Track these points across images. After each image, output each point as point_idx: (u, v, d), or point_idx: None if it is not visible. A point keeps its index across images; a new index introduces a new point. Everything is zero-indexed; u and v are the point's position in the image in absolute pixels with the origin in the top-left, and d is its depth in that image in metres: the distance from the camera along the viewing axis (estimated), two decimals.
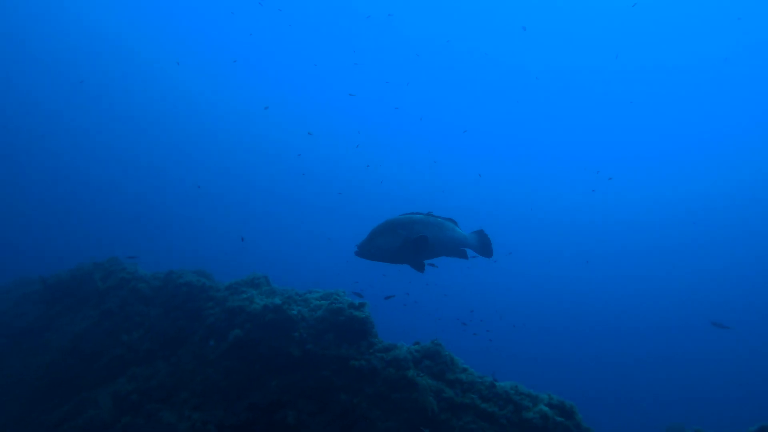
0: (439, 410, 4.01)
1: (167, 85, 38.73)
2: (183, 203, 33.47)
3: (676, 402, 17.91)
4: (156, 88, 38.41)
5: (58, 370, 5.19)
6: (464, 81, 38.65)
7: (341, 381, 4.16)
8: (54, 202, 29.68)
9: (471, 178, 38.19)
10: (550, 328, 22.70)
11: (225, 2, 34.33)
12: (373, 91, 40.10)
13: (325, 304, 4.75)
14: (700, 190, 35.93)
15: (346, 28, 36.20)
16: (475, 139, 40.72)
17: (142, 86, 37.80)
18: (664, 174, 36.78)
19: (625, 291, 28.21)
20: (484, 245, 4.20)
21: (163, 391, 4.45)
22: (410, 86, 39.26)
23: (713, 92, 34.27)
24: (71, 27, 34.40)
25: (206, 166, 37.86)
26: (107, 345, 5.22)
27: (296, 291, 5.28)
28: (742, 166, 35.21)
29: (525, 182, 37.76)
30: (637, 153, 37.52)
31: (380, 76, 39.03)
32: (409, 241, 3.82)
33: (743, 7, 28.37)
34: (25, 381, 5.33)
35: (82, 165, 34.19)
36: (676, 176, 36.60)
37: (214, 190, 34.24)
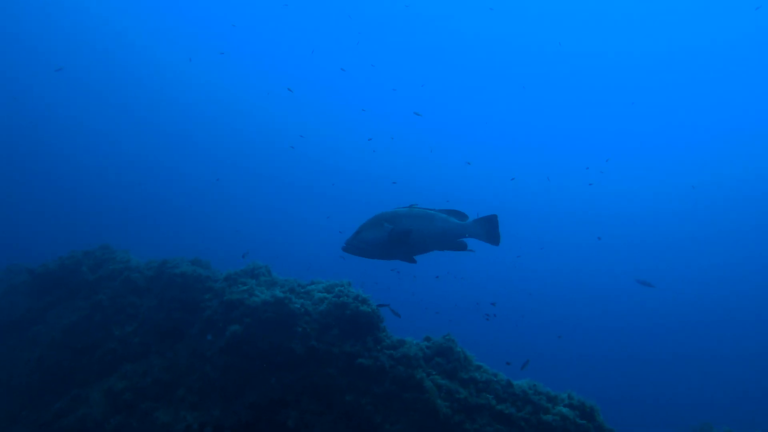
0: (452, 412, 3.95)
1: (159, 75, 38.80)
2: (181, 191, 33.58)
3: (703, 400, 17.84)
4: (147, 78, 38.54)
5: (48, 365, 5.17)
6: (467, 67, 38.54)
7: (347, 380, 4.07)
8: (45, 188, 29.88)
9: (472, 171, 38.18)
10: (565, 323, 22.62)
11: None
12: (372, 77, 40.17)
13: (329, 296, 4.67)
14: (718, 180, 35.77)
15: (341, 13, 36.13)
16: (474, 131, 40.68)
17: (132, 76, 37.93)
18: (681, 164, 36.64)
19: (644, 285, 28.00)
20: (489, 233, 4.10)
21: (157, 389, 4.42)
22: (405, 70, 39.33)
23: (724, 82, 33.95)
24: (60, 17, 34.58)
25: (206, 154, 37.95)
26: (99, 339, 5.19)
27: (298, 282, 5.21)
28: (752, 157, 35.11)
29: (531, 173, 37.64)
30: (649, 144, 37.43)
31: (375, 64, 39.09)
32: (394, 234, 3.78)
33: None
34: (14, 377, 5.35)
35: (74, 152, 34.30)
36: (692, 167, 36.44)
37: (213, 178, 34.31)
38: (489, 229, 4.09)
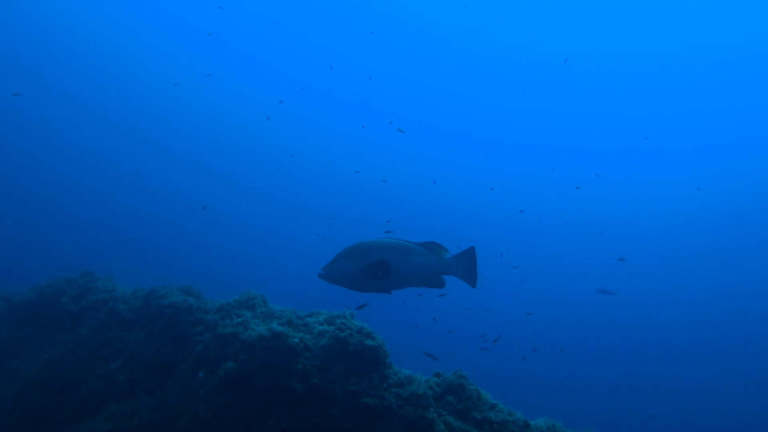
0: None
1: (152, 86, 39.04)
2: (171, 211, 33.37)
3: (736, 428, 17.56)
4: (139, 89, 38.75)
5: (27, 404, 5.04)
6: (460, 72, 38.97)
7: (351, 421, 3.90)
8: (25, 208, 29.63)
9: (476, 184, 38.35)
10: (579, 346, 22.38)
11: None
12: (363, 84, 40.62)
13: (330, 329, 4.53)
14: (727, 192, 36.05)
15: (336, 22, 36.59)
16: (474, 139, 40.98)
17: (123, 87, 38.14)
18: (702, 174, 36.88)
19: (665, 300, 27.90)
20: (467, 271, 3.97)
21: (146, 431, 4.31)
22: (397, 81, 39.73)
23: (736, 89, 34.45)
24: (49, 23, 35.01)
25: (197, 171, 37.90)
26: (82, 376, 5.01)
27: (297, 313, 5.09)
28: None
29: (534, 184, 37.78)
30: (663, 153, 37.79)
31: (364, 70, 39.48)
32: (369, 267, 3.74)
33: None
34: None
35: (53, 169, 34.04)
36: (701, 178, 36.75)
37: (205, 198, 34.13)
38: (467, 266, 3.97)
